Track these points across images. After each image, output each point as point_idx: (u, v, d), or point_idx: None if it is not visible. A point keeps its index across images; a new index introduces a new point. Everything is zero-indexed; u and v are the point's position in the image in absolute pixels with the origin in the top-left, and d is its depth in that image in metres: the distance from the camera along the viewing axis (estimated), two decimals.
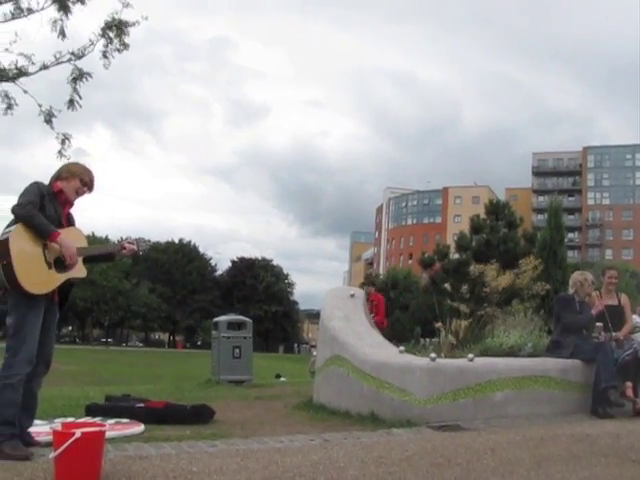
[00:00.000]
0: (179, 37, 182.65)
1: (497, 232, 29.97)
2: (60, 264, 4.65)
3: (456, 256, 31.66)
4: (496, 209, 31.63)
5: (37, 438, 4.71)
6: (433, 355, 6.56)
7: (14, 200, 4.61)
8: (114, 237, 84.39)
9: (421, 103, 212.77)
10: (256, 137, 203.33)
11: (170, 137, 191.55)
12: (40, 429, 5.15)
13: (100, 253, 5.22)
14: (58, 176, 4.88)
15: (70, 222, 4.96)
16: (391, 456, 4.66)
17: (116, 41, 6.56)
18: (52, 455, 3.61)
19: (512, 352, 7.78)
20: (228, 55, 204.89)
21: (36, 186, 4.72)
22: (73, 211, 5.05)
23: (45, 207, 4.66)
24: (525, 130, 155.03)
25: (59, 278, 4.67)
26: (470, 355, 6.63)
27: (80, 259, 4.79)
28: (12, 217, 4.57)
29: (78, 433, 3.57)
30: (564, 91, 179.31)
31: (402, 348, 7.30)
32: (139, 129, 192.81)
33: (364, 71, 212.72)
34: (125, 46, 6.63)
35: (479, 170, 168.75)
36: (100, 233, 78.75)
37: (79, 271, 4.81)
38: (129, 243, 5.13)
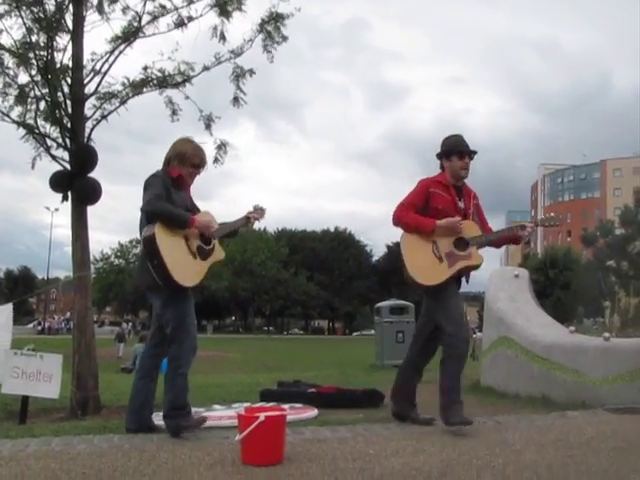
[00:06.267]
0: (312, 23, 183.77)
1: None
2: (202, 252, 4.71)
3: (621, 231, 30.29)
4: None
5: (220, 422, 4.98)
6: (607, 334, 6.32)
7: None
8: (270, 229, 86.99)
9: (568, 71, 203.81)
10: (399, 119, 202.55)
11: (313, 125, 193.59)
12: (221, 413, 5.44)
13: (232, 230, 5.10)
14: (169, 161, 4.79)
15: (195, 206, 4.93)
16: (569, 439, 4.53)
17: (275, 34, 6.77)
18: (238, 437, 3.78)
19: None
20: (363, 38, 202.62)
21: (157, 178, 4.67)
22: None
23: (172, 197, 4.64)
24: None
25: (205, 265, 4.74)
26: None
27: (216, 241, 4.83)
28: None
29: (262, 417, 3.73)
30: None
31: (572, 328, 7.09)
32: (282, 120, 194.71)
33: (504, 43, 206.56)
34: (284, 38, 6.85)
35: (638, 139, 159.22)
36: (257, 226, 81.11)
37: (220, 253, 4.87)
38: (250, 213, 5.14)
